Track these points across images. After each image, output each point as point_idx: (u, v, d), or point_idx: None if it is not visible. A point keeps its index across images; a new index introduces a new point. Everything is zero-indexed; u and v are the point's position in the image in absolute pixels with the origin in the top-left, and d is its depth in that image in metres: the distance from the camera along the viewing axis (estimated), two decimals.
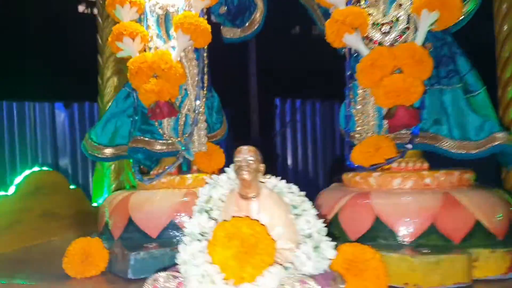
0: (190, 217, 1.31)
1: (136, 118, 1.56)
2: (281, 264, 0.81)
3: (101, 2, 2.12)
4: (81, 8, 4.42)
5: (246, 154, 0.91)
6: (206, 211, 0.91)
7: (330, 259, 0.85)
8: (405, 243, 1.16)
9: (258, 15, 1.71)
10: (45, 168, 1.84)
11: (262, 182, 0.94)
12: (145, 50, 1.54)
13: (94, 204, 2.11)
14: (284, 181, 0.95)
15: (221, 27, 1.75)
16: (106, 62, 2.12)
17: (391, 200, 1.20)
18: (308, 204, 0.92)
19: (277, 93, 5.95)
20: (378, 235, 1.19)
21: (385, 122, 1.43)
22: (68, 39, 3.75)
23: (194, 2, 1.51)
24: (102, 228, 1.47)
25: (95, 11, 2.34)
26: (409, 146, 1.36)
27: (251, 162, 0.90)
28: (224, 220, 0.86)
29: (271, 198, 0.90)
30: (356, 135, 1.50)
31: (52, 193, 1.81)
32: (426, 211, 1.15)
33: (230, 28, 1.73)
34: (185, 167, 1.62)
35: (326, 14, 1.78)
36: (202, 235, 0.86)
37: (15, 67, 3.90)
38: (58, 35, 3.92)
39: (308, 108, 6.20)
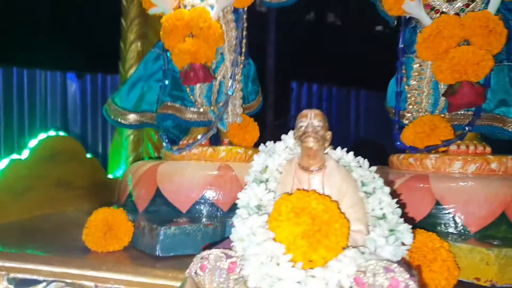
0: (222, 192, 1.24)
1: (166, 82, 1.43)
2: (355, 247, 0.69)
3: None
4: None
5: (313, 118, 0.78)
6: (263, 182, 0.78)
7: (408, 245, 0.73)
8: (469, 232, 1.03)
9: None
10: (61, 133, 1.72)
11: (326, 153, 0.81)
12: (179, 7, 1.41)
13: (110, 176, 1.99)
14: (351, 153, 0.82)
15: None
16: (130, 25, 1.98)
17: (454, 184, 1.06)
18: (380, 181, 0.79)
19: (294, 77, 5.81)
20: (438, 222, 1.06)
21: (442, 99, 1.30)
22: (87, 2, 3.59)
23: None
24: (125, 199, 1.34)
25: None
26: (469, 128, 1.23)
27: (318, 128, 0.77)
28: (286, 193, 0.73)
29: (339, 172, 0.77)
30: (407, 114, 1.37)
31: (68, 161, 1.69)
32: (497, 198, 1.02)
33: None
34: (213, 139, 1.50)
35: None
36: (259, 209, 0.73)
37: (27, 33, 3.76)
38: None
39: (324, 93, 6.05)
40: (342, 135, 5.70)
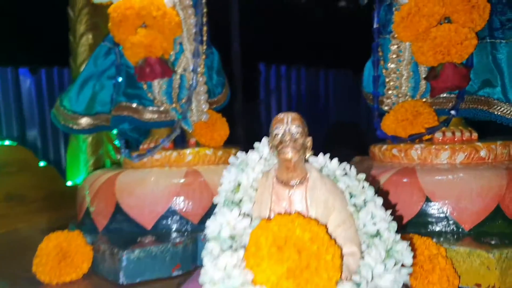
0: (191, 202, 1.10)
1: (120, 80, 1.26)
2: (349, 279, 0.57)
3: None
4: None
5: (290, 124, 0.65)
6: (235, 204, 0.65)
7: (408, 266, 0.62)
8: (463, 230, 0.94)
9: None
10: (8, 142, 1.52)
11: (307, 162, 0.69)
12: None
13: (69, 183, 1.81)
14: (336, 159, 0.70)
15: None
16: (79, 16, 1.78)
17: (444, 177, 0.97)
18: (370, 191, 0.67)
19: (262, 59, 5.66)
20: (429, 220, 0.97)
21: (423, 83, 1.20)
22: None
23: None
24: (82, 216, 1.18)
25: None
26: (453, 112, 1.13)
27: (297, 135, 0.64)
28: (264, 219, 0.61)
29: (323, 184, 0.65)
30: (386, 100, 1.26)
31: (18, 172, 1.50)
32: (490, 191, 0.93)
33: None
34: (178, 140, 1.35)
35: None
36: (233, 240, 0.60)
37: None
38: None
39: (293, 75, 5.94)
40: (314, 119, 5.63)
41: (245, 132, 4.37)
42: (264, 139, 0.71)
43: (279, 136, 0.65)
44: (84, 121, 1.31)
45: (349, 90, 5.88)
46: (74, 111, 1.29)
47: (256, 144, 0.72)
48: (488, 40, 1.13)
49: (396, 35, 1.16)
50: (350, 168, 0.69)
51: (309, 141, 0.67)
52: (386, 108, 1.26)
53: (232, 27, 5.17)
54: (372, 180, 1.06)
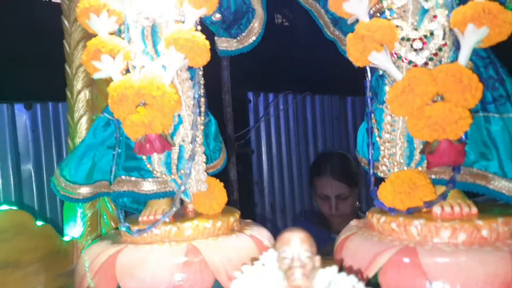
0: (191, 284, 1.05)
1: (120, 151, 1.23)
2: None
3: (67, 2, 1.72)
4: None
5: (298, 248, 0.62)
6: None
7: None
8: None
9: (257, 24, 1.40)
10: (5, 206, 1.46)
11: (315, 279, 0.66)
12: (127, 70, 1.20)
13: (67, 238, 1.75)
14: (343, 274, 0.67)
15: (215, 38, 1.42)
16: (76, 73, 1.73)
17: (447, 260, 0.94)
18: None
19: (250, 87, 5.67)
20: None
21: (418, 152, 1.18)
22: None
23: (188, 11, 1.17)
24: None
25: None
26: (451, 185, 1.12)
27: (306, 260, 0.61)
28: None
29: None
30: (381, 167, 1.24)
31: (14, 237, 1.44)
32: (496, 278, 0.90)
33: (225, 38, 1.41)
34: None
35: (335, 20, 1.50)
36: None
37: None
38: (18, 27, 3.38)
39: (281, 101, 5.97)
40: (303, 144, 5.63)
41: (236, 158, 4.33)
42: (269, 256, 0.68)
43: (287, 260, 0.61)
44: (84, 190, 1.26)
45: (336, 115, 5.92)
46: (74, 182, 1.25)
47: (256, 263, 0.68)
48: (482, 114, 1.13)
49: (391, 111, 1.15)
50: (359, 284, 0.66)
51: (317, 260, 0.64)
52: (381, 175, 1.24)
53: (222, 58, 5.19)
54: (373, 257, 1.04)
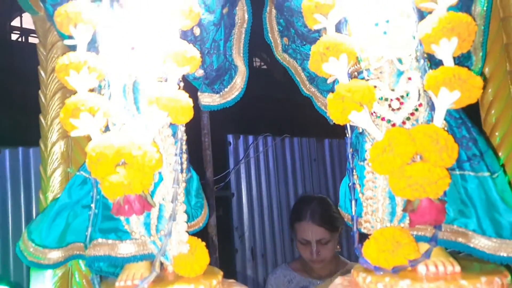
0: None
1: (96, 211, 1.20)
2: None
3: (44, 53, 1.73)
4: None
5: None
6: None
7: None
8: None
9: (240, 80, 1.44)
10: None
11: None
12: (107, 127, 1.20)
13: None
14: None
15: (198, 93, 1.45)
16: (51, 125, 1.72)
17: None
18: None
19: (230, 130, 5.73)
20: None
21: (400, 209, 1.21)
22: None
23: (171, 70, 1.20)
24: None
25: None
26: (433, 243, 1.14)
27: None
28: None
29: None
30: (365, 223, 1.26)
31: None
32: None
33: (208, 94, 1.44)
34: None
35: (311, 78, 1.56)
36: None
37: None
38: None
39: (260, 143, 6.02)
40: (282, 187, 5.64)
41: (215, 202, 4.28)
42: None
43: None
44: (55, 254, 1.21)
45: (315, 157, 5.99)
46: (44, 246, 1.20)
47: None
48: (458, 172, 1.17)
49: (372, 169, 1.18)
50: None
51: None
52: (365, 231, 1.25)
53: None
54: None
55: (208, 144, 5.33)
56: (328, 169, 5.92)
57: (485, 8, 1.40)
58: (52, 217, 1.21)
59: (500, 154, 1.61)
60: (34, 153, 3.74)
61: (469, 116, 1.28)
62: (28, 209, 3.39)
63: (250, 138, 5.99)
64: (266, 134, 6.02)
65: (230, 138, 5.80)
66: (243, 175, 5.70)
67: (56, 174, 1.71)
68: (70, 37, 1.24)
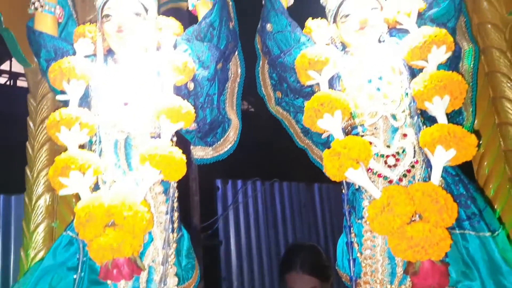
0: None
1: (82, 274, 1.13)
2: None
3: (34, 104, 1.71)
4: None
5: None
6: None
7: None
8: None
9: (233, 133, 1.43)
10: None
11: None
12: (97, 184, 1.16)
13: None
14: None
15: (191, 147, 1.43)
16: (37, 177, 1.67)
17: None
18: None
19: (218, 175, 5.67)
20: None
21: (400, 270, 1.17)
22: None
23: (165, 126, 1.18)
24: None
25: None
26: None
27: None
28: None
29: None
30: (364, 284, 1.21)
31: None
32: None
33: (201, 147, 1.43)
34: None
35: (305, 131, 1.55)
36: None
37: None
38: None
39: (249, 188, 5.96)
40: (272, 234, 5.53)
41: (202, 252, 4.15)
42: None
43: None
44: None
45: (304, 202, 5.93)
46: None
47: None
48: (458, 231, 1.15)
49: (371, 229, 1.15)
50: None
51: None
52: None
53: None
54: None
55: (196, 189, 5.24)
56: (318, 214, 5.84)
57: (472, 65, 1.44)
58: (33, 282, 1.14)
59: (495, 206, 1.60)
60: (16, 202, 3.62)
61: (461, 168, 1.28)
62: (5, 264, 3.22)
63: (239, 182, 5.93)
64: (255, 178, 5.98)
65: (219, 183, 5.73)
66: (231, 222, 5.59)
67: (39, 229, 1.63)
68: (62, 92, 1.22)
